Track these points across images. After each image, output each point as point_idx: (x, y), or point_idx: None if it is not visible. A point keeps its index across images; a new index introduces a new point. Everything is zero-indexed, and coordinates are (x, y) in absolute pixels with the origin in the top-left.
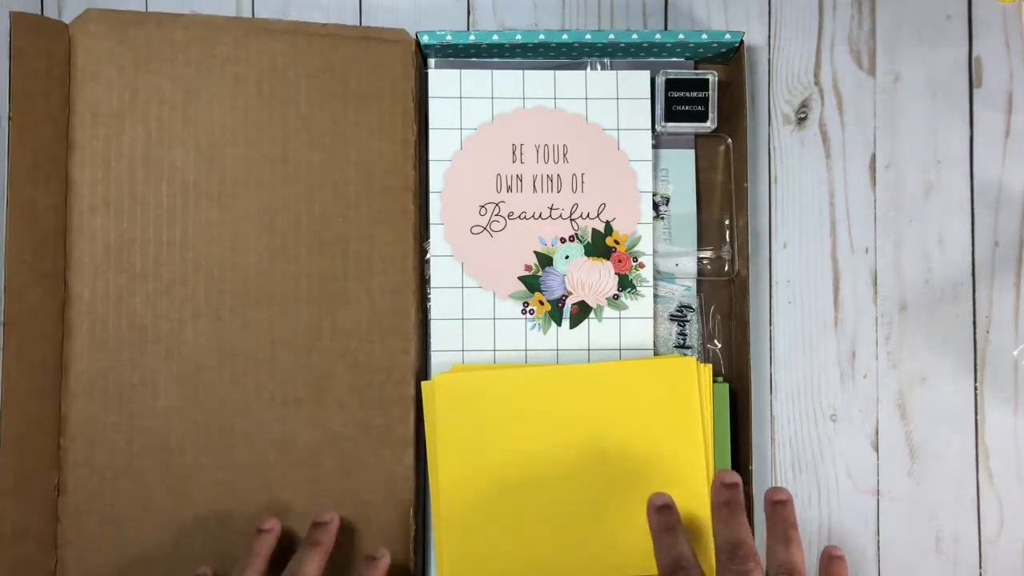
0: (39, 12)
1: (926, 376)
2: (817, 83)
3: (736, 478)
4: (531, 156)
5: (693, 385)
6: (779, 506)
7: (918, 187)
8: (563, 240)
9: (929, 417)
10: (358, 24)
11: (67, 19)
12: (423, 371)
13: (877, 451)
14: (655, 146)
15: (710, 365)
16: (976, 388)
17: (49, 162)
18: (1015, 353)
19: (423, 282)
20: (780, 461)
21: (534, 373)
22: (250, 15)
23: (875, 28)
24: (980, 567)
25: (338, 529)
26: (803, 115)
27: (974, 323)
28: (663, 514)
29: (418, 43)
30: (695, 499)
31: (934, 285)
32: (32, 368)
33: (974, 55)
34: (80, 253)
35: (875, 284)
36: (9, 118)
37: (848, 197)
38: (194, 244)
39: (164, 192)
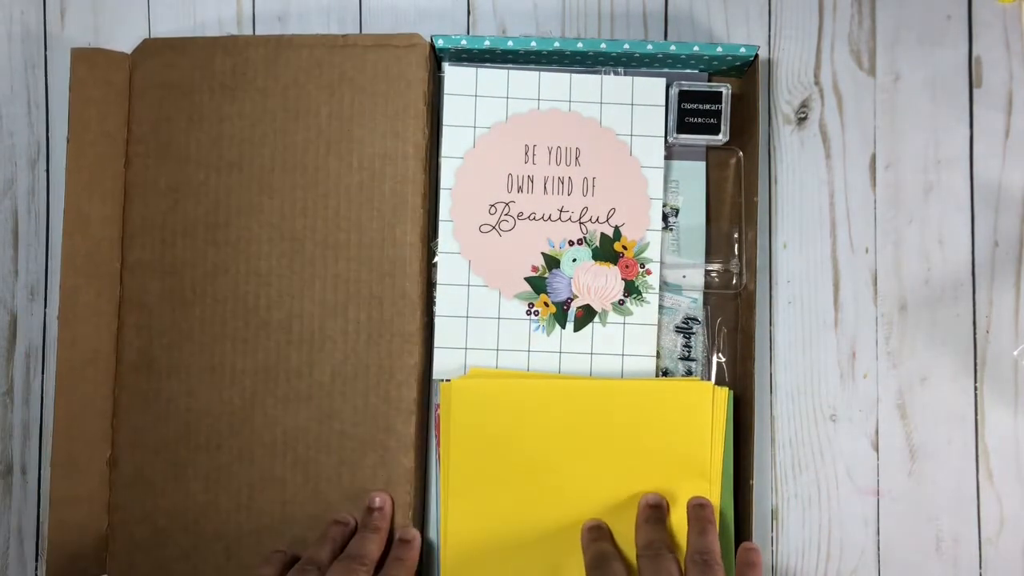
0: (42, 15)
1: (926, 376)
2: (817, 83)
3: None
4: (543, 157)
5: (707, 410)
6: (699, 508)
7: (918, 187)
8: (571, 243)
9: (929, 417)
10: (358, 23)
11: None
12: (428, 375)
13: (877, 451)
14: (666, 157)
15: (727, 389)
16: (976, 388)
17: (106, 177)
18: (1015, 353)
19: (430, 286)
20: (780, 461)
21: (552, 385)
22: (250, 14)
23: (875, 28)
24: (980, 567)
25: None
26: (803, 115)
27: (974, 323)
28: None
29: (432, 47)
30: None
31: (934, 285)
32: (84, 358)
33: (974, 55)
34: (133, 257)
35: (875, 284)
36: (68, 139)
37: (848, 197)
38: (223, 253)
39: (201, 206)
